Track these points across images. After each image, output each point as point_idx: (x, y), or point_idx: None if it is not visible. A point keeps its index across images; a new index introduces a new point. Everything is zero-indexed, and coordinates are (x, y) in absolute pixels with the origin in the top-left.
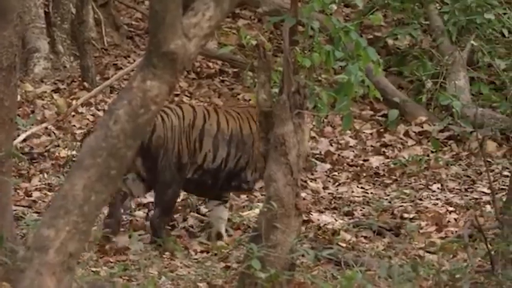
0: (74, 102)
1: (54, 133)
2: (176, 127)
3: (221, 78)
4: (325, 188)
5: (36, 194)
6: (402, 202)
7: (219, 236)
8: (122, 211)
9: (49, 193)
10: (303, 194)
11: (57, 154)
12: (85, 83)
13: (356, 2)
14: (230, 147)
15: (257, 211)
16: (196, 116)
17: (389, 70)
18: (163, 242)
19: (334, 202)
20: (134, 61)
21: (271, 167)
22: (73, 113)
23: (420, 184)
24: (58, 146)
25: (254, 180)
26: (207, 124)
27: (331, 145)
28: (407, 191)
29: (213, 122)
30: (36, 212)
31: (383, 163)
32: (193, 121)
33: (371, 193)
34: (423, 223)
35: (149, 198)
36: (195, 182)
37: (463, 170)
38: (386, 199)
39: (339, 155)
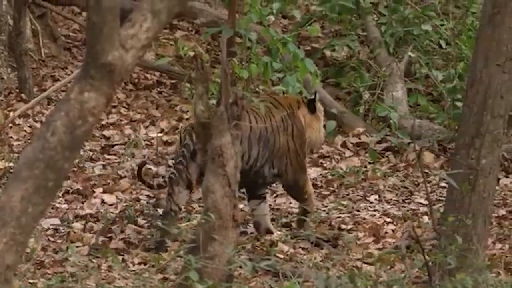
0: (11, 113)
1: None
2: None
3: (158, 89)
4: None
5: None
6: (340, 213)
7: (268, 232)
8: None
9: None
10: (240, 206)
11: None
12: (22, 95)
13: (294, 13)
14: (259, 145)
15: (195, 222)
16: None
17: (327, 81)
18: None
19: (272, 214)
20: (72, 72)
21: (208, 178)
22: (10, 125)
23: (358, 195)
24: None
25: (272, 175)
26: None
27: None
28: (345, 202)
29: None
30: None
31: (320, 174)
32: None
33: None
34: (360, 234)
35: (87, 209)
36: None
37: (400, 181)
38: (324, 210)
39: None
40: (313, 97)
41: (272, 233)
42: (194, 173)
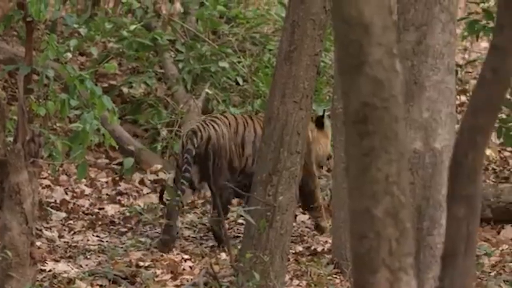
0: None
1: None
2: (226, 134)
3: None
4: (60, 236)
5: None
6: (138, 250)
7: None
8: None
9: None
10: (38, 243)
11: None
12: None
13: (91, 50)
14: None
15: None
16: (238, 124)
17: (125, 118)
18: None
19: (70, 251)
20: None
21: (5, 215)
22: None
23: (156, 232)
24: None
25: None
26: (247, 131)
27: (67, 193)
28: (143, 239)
29: (251, 129)
30: None
31: (118, 211)
32: (236, 129)
33: (107, 241)
34: (158, 271)
35: None
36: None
37: (198, 218)
38: (122, 247)
39: (74, 203)
40: (321, 114)
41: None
42: (195, 175)
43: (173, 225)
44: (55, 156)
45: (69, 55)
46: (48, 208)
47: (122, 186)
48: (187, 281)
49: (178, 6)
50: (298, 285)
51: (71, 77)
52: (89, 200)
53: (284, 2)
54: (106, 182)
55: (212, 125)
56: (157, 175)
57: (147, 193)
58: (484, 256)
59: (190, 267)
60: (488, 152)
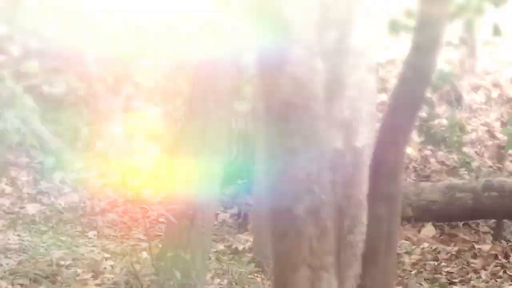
0: None
1: None
2: None
3: None
4: None
5: None
6: (59, 249)
7: None
8: None
9: None
10: None
11: None
12: None
13: (12, 50)
14: None
15: None
16: None
17: (46, 117)
18: None
19: None
20: None
21: None
22: None
23: (77, 231)
24: None
25: None
26: None
27: None
28: (63, 238)
29: None
30: None
31: (39, 210)
32: None
33: (28, 240)
34: (79, 270)
35: None
36: None
37: (119, 217)
38: (43, 246)
39: None
40: None
41: None
42: None
43: None
44: None
45: None
46: None
47: (43, 185)
48: (108, 280)
49: None
50: (219, 283)
51: None
52: (9, 199)
53: None
54: (27, 181)
55: None
56: (78, 174)
57: (69, 192)
58: (405, 255)
59: (111, 266)
60: (409, 150)
